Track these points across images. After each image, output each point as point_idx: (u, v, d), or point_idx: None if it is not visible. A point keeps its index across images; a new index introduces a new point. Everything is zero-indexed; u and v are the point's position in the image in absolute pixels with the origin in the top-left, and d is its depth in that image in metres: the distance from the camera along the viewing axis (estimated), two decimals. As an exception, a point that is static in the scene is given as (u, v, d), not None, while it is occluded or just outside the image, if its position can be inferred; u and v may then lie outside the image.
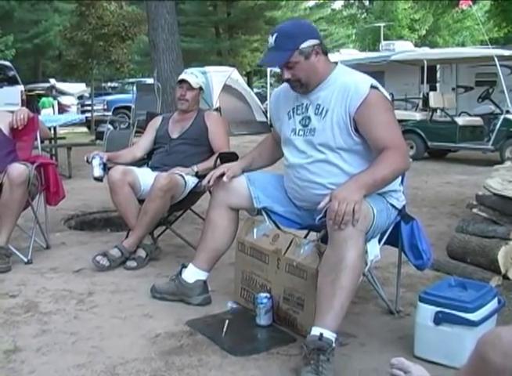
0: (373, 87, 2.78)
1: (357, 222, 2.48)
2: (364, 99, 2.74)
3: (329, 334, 2.45)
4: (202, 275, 3.25)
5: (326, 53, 2.91)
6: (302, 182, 2.94)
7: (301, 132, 2.94)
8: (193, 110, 4.45)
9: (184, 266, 3.29)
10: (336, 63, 2.98)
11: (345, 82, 2.82)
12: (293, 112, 3.00)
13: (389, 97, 2.86)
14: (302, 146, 2.93)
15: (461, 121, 10.92)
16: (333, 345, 2.44)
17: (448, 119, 11.10)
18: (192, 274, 3.24)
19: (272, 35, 2.83)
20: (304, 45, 2.81)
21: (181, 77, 4.45)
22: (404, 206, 2.99)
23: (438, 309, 2.54)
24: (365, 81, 2.81)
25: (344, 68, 2.96)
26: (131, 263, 3.99)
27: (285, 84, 3.08)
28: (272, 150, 3.33)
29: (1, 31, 22.89)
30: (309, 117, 2.91)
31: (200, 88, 4.44)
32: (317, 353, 2.39)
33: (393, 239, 2.98)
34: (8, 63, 15.57)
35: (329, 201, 2.53)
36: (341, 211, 2.45)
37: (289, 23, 2.98)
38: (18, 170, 3.92)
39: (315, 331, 2.46)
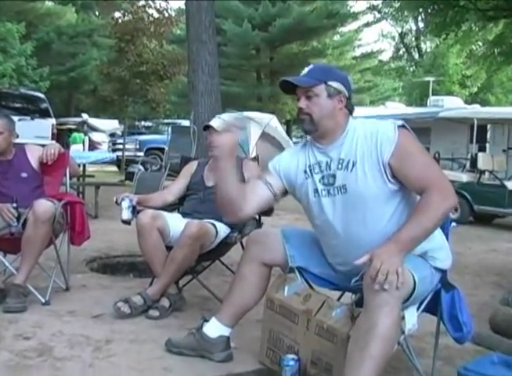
0: (399, 127, 2.77)
1: (402, 284, 2.43)
2: (396, 143, 2.72)
3: None
4: (225, 330, 3.24)
5: (350, 111, 2.94)
6: (342, 245, 2.89)
7: (325, 192, 2.88)
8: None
9: (205, 320, 3.27)
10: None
11: (368, 130, 2.81)
12: (311, 171, 2.95)
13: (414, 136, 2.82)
14: (331, 206, 2.87)
15: (511, 185, 10.83)
16: None
17: (497, 182, 11.01)
18: (216, 329, 3.22)
19: (308, 66, 2.97)
20: (332, 84, 2.86)
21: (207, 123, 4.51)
22: (446, 270, 2.95)
23: (479, 387, 2.49)
24: (389, 125, 2.78)
25: (358, 119, 2.97)
26: (154, 312, 3.99)
27: (294, 147, 3.17)
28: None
29: (37, 62, 23.48)
30: (333, 175, 2.86)
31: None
32: None
33: (432, 306, 2.94)
34: (41, 95, 15.70)
35: (368, 259, 2.49)
36: (384, 270, 2.40)
37: (330, 66, 3.03)
38: (44, 206, 3.99)
39: None
